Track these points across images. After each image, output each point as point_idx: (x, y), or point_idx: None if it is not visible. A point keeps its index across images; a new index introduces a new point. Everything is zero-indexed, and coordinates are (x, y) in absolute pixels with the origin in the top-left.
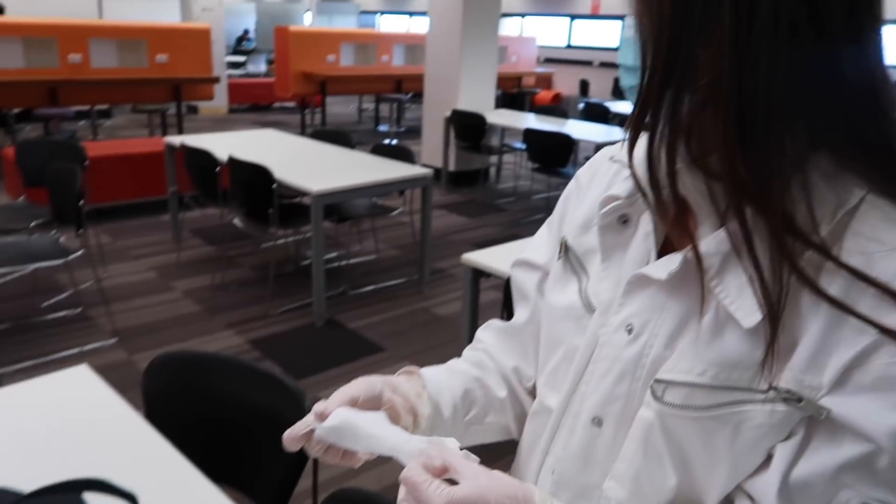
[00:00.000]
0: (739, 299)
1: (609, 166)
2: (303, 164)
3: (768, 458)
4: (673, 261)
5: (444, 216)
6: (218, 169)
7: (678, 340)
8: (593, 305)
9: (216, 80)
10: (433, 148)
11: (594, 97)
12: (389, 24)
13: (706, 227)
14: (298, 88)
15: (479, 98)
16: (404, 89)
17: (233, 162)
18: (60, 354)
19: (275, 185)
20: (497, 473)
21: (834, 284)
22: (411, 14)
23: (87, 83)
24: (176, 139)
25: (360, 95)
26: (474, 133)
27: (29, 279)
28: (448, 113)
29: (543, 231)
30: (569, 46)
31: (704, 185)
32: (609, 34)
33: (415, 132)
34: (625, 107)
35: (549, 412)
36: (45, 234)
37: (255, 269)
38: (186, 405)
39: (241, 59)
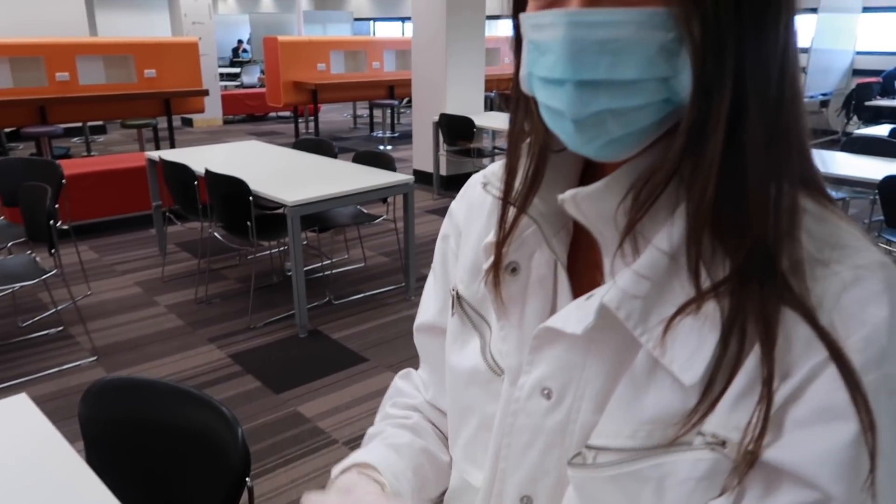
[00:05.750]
0: (672, 349)
1: (483, 196)
2: (282, 175)
3: None
4: (587, 310)
5: (435, 221)
6: (196, 182)
7: (608, 401)
8: (501, 368)
9: (205, 92)
10: (424, 152)
11: None
12: (383, 31)
13: (612, 257)
14: (290, 98)
15: (466, 101)
16: (397, 94)
17: (210, 175)
18: (40, 374)
19: (251, 198)
20: None
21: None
22: (403, 20)
23: (75, 100)
24: (155, 154)
25: (353, 102)
26: (463, 136)
27: (9, 299)
28: (436, 117)
29: (430, 283)
30: None
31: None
32: None
33: (408, 137)
34: None
35: (474, 491)
36: (21, 255)
37: (239, 282)
38: (122, 432)
39: (235, 70)
